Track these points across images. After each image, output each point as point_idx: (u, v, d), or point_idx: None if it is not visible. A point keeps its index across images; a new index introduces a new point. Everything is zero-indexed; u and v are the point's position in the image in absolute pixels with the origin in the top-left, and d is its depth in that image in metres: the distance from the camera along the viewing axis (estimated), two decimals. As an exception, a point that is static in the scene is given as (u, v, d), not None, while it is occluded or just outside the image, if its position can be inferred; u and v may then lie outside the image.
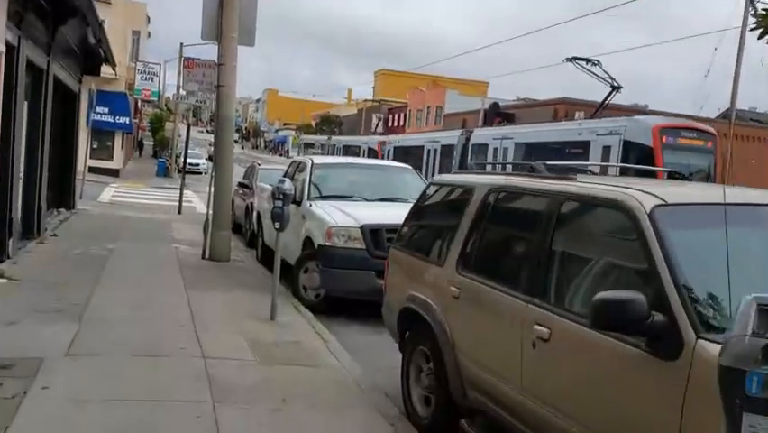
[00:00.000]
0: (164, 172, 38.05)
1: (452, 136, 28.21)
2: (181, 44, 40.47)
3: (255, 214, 12.66)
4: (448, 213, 5.24)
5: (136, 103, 43.14)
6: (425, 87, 63.32)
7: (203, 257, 10.93)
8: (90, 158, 34.48)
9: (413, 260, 5.28)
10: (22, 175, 10.04)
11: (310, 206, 8.90)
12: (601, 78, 19.42)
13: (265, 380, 5.28)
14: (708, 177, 16.97)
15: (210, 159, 42.23)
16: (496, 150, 23.05)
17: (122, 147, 35.84)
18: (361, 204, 9.01)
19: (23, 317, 6.32)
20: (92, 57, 16.12)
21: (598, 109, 21.12)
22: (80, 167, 20.17)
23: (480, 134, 25.94)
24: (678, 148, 17.01)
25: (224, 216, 10.91)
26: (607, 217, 3.54)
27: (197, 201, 24.58)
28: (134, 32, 37.65)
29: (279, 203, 7.11)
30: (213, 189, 10.95)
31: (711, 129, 18.61)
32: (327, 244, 8.08)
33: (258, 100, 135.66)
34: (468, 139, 25.96)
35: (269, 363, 5.71)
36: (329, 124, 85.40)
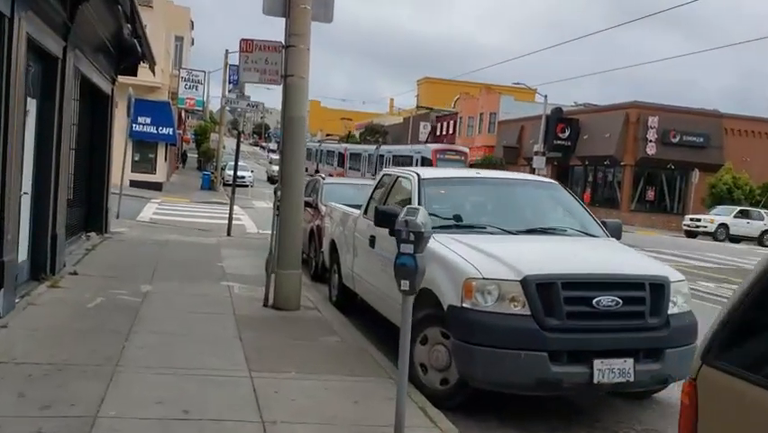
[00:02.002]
0: (209, 186, 35.78)
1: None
2: (226, 51, 38.42)
3: (328, 242, 9.85)
4: None
5: (180, 113, 41.11)
6: (478, 93, 60.21)
7: (265, 304, 8.16)
8: (131, 171, 32.64)
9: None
10: (22, 193, 7.42)
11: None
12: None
13: None
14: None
15: (269, 180, 40.61)
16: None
17: (165, 159, 33.69)
18: (504, 239, 6.09)
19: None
20: (127, 54, 13.64)
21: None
22: (117, 181, 17.79)
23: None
24: (444, 160, 35.76)
25: (292, 251, 8.13)
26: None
27: (246, 219, 22.03)
28: (177, 37, 35.64)
29: (408, 248, 4.24)
30: (278, 218, 8.18)
31: (464, 149, 38.33)
32: (465, 305, 5.19)
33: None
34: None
35: None
36: (374, 133, 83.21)
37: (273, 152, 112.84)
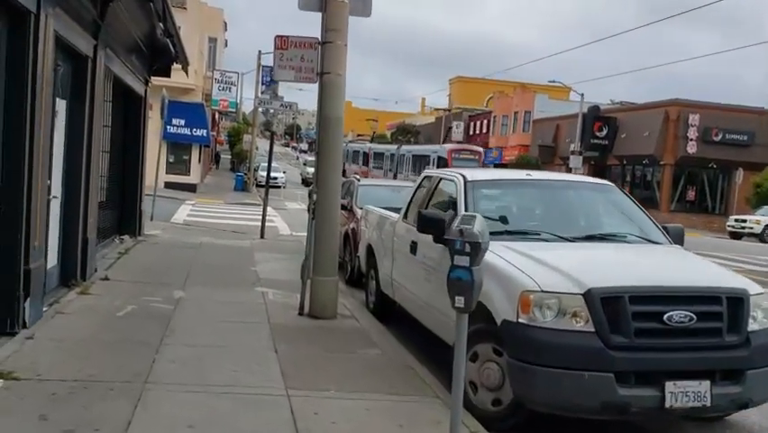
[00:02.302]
0: (242, 187, 35.76)
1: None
2: (259, 52, 38.42)
3: (364, 247, 9.45)
4: None
5: (213, 115, 41.22)
6: (512, 92, 59.31)
7: (300, 312, 7.79)
8: (166, 172, 32.71)
9: None
10: (52, 197, 7.17)
11: (476, 249, 5.54)
12: None
13: None
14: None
15: (304, 183, 40.61)
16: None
17: (199, 161, 33.74)
18: (561, 247, 5.62)
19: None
20: (160, 54, 13.44)
21: None
22: (151, 183, 17.69)
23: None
24: (459, 159, 37.74)
25: (328, 257, 7.74)
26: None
27: (279, 221, 21.80)
28: (211, 39, 35.68)
29: (463, 260, 3.79)
30: (313, 221, 7.79)
31: (478, 148, 41.94)
32: (521, 321, 4.73)
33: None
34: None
35: None
36: (405, 133, 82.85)
37: (304, 152, 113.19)
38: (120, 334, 6.29)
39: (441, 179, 7.14)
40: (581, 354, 4.54)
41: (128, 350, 5.77)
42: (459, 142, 54.94)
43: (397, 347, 6.72)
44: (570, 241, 5.73)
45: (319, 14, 7.67)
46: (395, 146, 51.80)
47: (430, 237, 6.20)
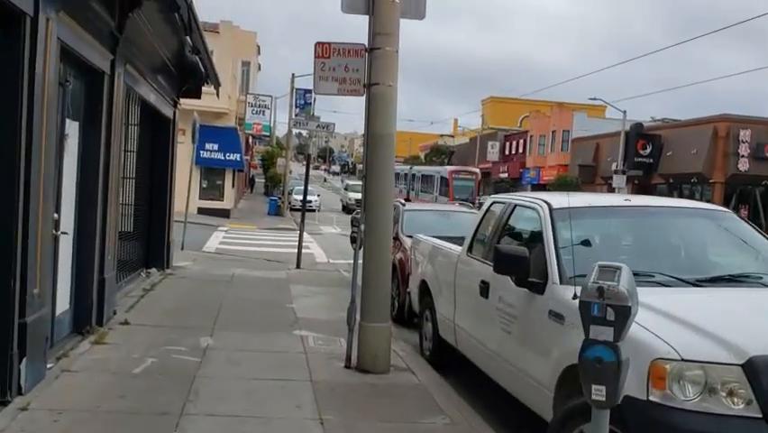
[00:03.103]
0: (275, 211, 34.91)
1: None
2: (293, 75, 37.82)
3: (417, 283, 8.28)
4: None
5: (247, 139, 40.66)
6: (549, 111, 57.81)
7: (347, 364, 6.63)
8: (199, 198, 32.05)
9: None
10: (60, 233, 6.17)
11: (575, 297, 4.29)
12: None
13: None
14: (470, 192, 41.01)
15: (345, 209, 39.86)
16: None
17: (233, 186, 33.05)
18: (687, 293, 4.38)
19: None
20: (189, 74, 12.60)
21: None
22: (181, 209, 16.83)
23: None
24: (458, 179, 43.20)
25: (380, 299, 6.59)
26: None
27: (315, 247, 20.74)
28: (244, 63, 35.17)
29: (604, 333, 2.63)
30: (361, 258, 6.66)
31: (475, 169, 46.92)
32: (653, 399, 3.51)
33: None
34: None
35: None
36: (439, 154, 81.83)
37: (336, 174, 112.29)
38: (134, 400, 5.20)
39: (515, 205, 5.96)
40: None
41: (141, 424, 4.68)
42: (495, 163, 56.87)
43: (469, 414, 5.51)
44: (694, 285, 4.49)
45: (363, 20, 6.64)
46: (407, 167, 56.16)
47: (507, 278, 5.04)
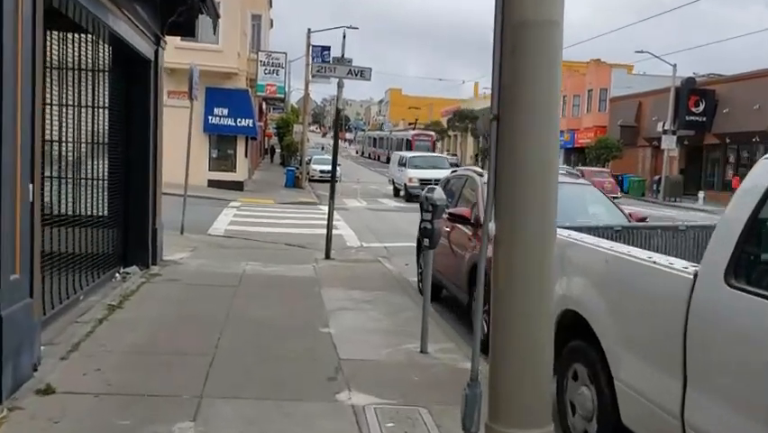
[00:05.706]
0: (293, 183, 31.52)
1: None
2: (308, 30, 34.19)
3: (558, 312, 4.84)
4: None
5: (260, 104, 37.14)
6: (584, 69, 53.56)
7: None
8: (209, 170, 28.73)
9: None
10: None
11: None
12: None
13: None
14: (427, 149, 49.94)
15: (397, 194, 30.05)
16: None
17: (245, 155, 29.66)
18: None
19: None
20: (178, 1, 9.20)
21: None
22: (179, 182, 13.55)
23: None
24: (418, 140, 54.95)
25: (530, 383, 3.18)
26: None
27: (343, 225, 17.43)
28: (254, 16, 31.47)
29: None
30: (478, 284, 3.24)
31: (431, 133, 61.89)
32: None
33: (381, 101, 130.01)
34: None
35: None
36: (462, 119, 78.08)
37: (351, 142, 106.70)
38: None
39: None
40: None
41: None
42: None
43: None
44: None
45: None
46: (387, 132, 70.11)
47: None
